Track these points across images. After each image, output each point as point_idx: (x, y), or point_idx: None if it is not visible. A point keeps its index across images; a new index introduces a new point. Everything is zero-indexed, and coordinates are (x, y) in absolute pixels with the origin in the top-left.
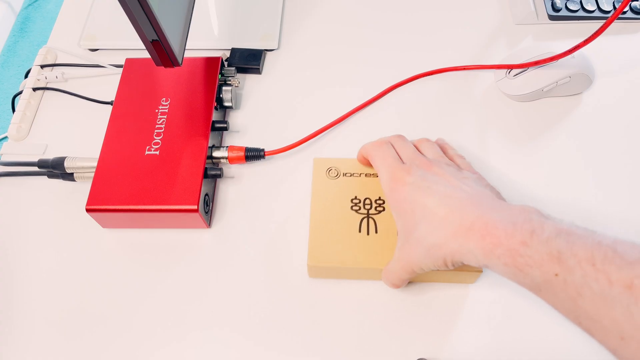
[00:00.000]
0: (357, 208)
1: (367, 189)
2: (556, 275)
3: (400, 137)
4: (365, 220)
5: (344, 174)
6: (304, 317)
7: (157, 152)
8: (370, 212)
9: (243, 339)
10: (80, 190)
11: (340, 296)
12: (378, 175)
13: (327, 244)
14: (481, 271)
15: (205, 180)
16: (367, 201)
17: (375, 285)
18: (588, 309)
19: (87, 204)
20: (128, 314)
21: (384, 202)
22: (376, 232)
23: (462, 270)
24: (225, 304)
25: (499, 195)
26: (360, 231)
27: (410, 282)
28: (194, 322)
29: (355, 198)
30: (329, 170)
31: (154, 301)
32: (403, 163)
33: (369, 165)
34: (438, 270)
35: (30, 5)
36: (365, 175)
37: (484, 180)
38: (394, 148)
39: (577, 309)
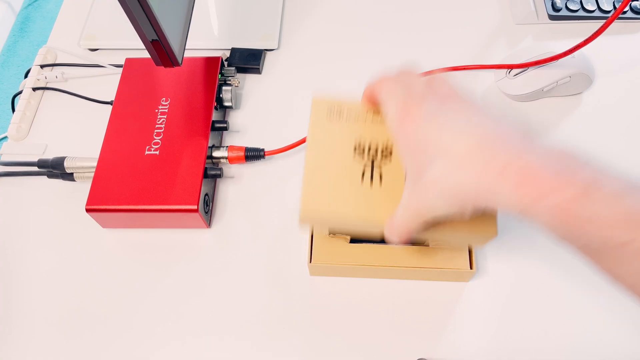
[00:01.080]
0: (360, 157)
1: (373, 136)
2: (625, 243)
3: (409, 71)
4: (368, 170)
5: (347, 118)
6: (304, 316)
7: (157, 152)
8: (375, 161)
9: (243, 338)
10: (80, 190)
11: (340, 296)
12: (384, 111)
13: (323, 192)
14: (475, 270)
15: (205, 180)
16: (373, 148)
17: (375, 285)
18: None
19: (87, 204)
20: (128, 314)
21: (391, 153)
22: (381, 184)
23: (455, 268)
24: (225, 303)
25: (529, 133)
26: (362, 182)
27: (409, 282)
28: (194, 321)
29: (360, 145)
30: (330, 111)
31: (154, 301)
32: (413, 96)
33: (377, 107)
34: (448, 225)
35: (30, 5)
36: (372, 121)
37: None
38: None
39: None
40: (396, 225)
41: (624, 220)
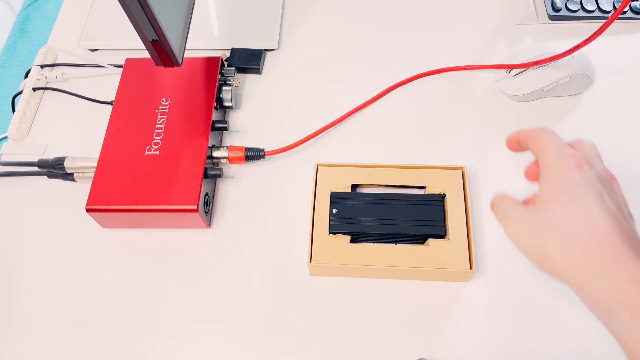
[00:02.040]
0: None
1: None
2: None
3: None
4: None
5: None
6: (304, 316)
7: (157, 152)
8: None
9: (243, 338)
10: (80, 190)
11: (341, 296)
12: (539, 150)
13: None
14: (475, 270)
15: (205, 180)
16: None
17: (375, 285)
18: None
19: (87, 204)
20: (128, 314)
21: None
22: None
23: (455, 268)
24: (226, 303)
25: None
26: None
27: (409, 282)
28: (194, 321)
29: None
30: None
31: (154, 301)
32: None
33: (519, 149)
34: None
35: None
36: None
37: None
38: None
39: None
40: (504, 207)
41: None
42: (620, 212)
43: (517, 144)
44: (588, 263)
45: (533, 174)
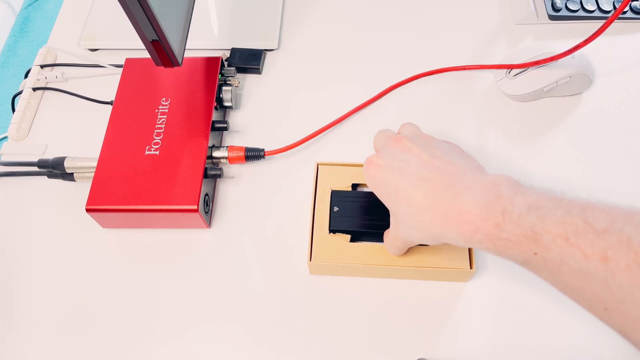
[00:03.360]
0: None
1: None
2: (535, 254)
3: (384, 130)
4: None
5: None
6: (304, 316)
7: (157, 152)
8: None
9: (243, 338)
10: (80, 190)
11: (340, 295)
12: None
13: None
14: (474, 270)
15: (205, 180)
16: None
17: (375, 284)
18: (570, 283)
19: (87, 204)
20: (128, 314)
21: None
22: None
23: (455, 268)
24: (225, 303)
25: (473, 163)
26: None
27: (409, 282)
28: (194, 321)
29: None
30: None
31: (153, 301)
32: (381, 146)
33: None
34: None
35: (30, 5)
36: None
37: (457, 148)
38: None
39: (560, 283)
40: (389, 245)
41: (530, 237)
42: (425, 164)
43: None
44: (438, 233)
45: None
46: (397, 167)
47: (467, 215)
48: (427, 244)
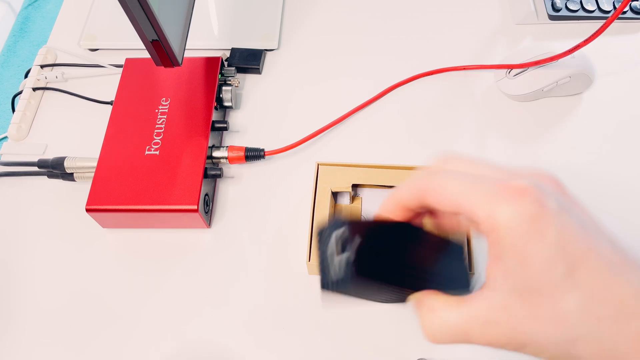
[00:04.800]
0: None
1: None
2: None
3: (453, 156)
4: None
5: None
6: (304, 316)
7: (157, 152)
8: None
9: (242, 337)
10: (80, 190)
11: (340, 295)
12: (469, 212)
13: None
14: (474, 272)
15: (205, 180)
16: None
17: None
18: None
19: (87, 204)
20: (128, 314)
21: None
22: None
23: None
24: (225, 303)
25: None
26: None
27: None
28: (193, 321)
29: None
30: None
31: (153, 301)
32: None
33: (408, 216)
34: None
35: (30, 5)
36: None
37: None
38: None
39: None
40: (432, 322)
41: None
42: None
43: (403, 209)
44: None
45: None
46: (579, 220)
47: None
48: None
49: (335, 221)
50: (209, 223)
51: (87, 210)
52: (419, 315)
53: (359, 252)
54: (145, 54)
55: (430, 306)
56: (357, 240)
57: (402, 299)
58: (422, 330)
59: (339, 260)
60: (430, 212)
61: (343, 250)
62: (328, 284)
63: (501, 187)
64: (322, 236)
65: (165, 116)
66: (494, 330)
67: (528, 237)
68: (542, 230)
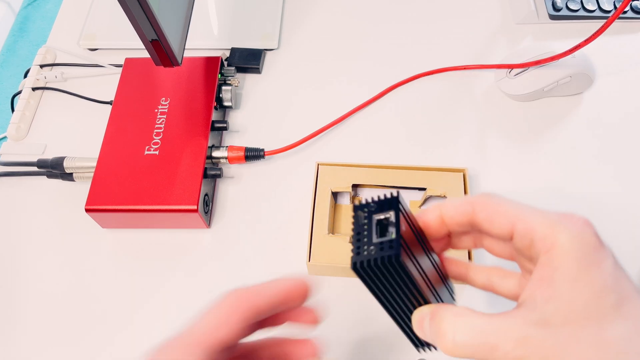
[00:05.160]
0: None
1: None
2: None
3: (494, 194)
4: None
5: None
6: None
7: (157, 152)
8: None
9: None
10: (80, 190)
11: (340, 295)
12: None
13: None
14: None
15: (205, 180)
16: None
17: None
18: None
19: (87, 204)
20: (128, 314)
21: None
22: None
23: None
24: None
25: None
26: None
27: None
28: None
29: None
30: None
31: (153, 301)
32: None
33: (442, 231)
34: None
35: (29, 4)
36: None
37: None
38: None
39: None
40: (466, 335)
41: None
42: None
43: (441, 225)
44: None
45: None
46: (620, 266)
47: None
48: None
49: (380, 202)
50: (208, 223)
51: (87, 210)
52: (437, 322)
53: (402, 241)
54: (145, 54)
55: (457, 312)
56: (404, 228)
57: (409, 308)
58: (440, 337)
59: (379, 242)
60: (463, 233)
61: (383, 234)
62: (360, 262)
63: (563, 215)
64: (364, 213)
65: (164, 116)
66: (527, 348)
67: (586, 264)
68: (600, 260)
